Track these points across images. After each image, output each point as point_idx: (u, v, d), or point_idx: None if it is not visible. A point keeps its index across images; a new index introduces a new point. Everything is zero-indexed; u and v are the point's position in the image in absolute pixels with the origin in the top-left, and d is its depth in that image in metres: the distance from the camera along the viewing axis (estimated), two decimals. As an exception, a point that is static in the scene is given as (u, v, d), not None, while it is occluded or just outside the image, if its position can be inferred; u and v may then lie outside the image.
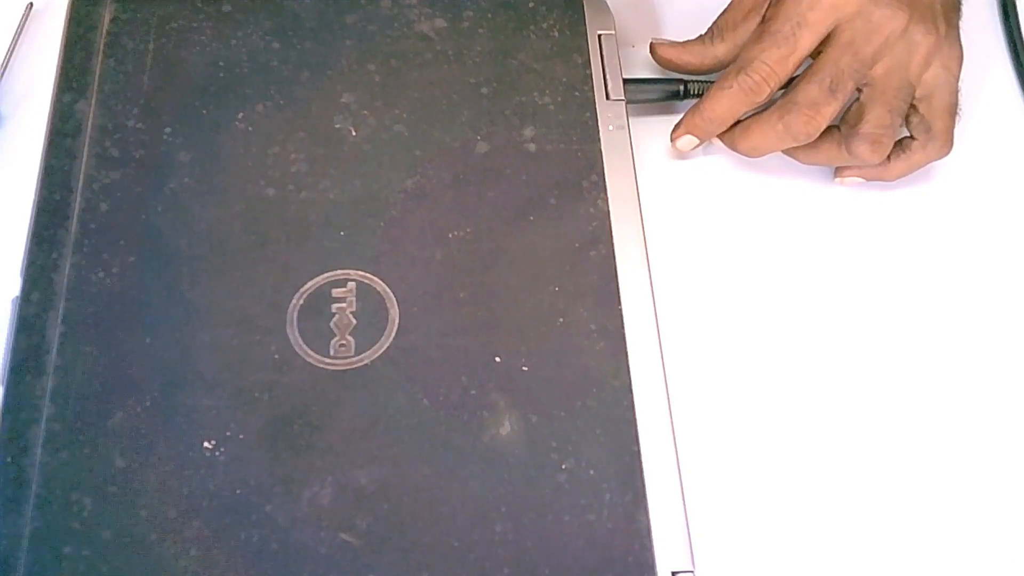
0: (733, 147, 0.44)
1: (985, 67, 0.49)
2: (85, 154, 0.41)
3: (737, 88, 0.42)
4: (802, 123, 0.41)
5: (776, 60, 0.41)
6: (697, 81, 0.46)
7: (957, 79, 0.42)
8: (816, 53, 0.42)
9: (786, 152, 0.44)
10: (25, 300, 0.38)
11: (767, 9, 0.43)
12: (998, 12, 0.51)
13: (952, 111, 0.43)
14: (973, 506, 0.39)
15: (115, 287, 0.38)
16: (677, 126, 0.45)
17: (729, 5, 0.45)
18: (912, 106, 0.42)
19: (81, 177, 0.40)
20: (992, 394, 0.42)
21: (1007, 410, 0.41)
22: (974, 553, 0.39)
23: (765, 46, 0.41)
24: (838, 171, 0.45)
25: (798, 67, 0.42)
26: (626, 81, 0.44)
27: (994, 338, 0.43)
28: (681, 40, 0.46)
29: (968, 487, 0.40)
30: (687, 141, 0.44)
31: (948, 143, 0.43)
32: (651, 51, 0.47)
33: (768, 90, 0.42)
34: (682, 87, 0.46)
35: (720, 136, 0.44)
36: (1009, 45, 0.50)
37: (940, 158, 0.43)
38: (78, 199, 0.40)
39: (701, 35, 0.46)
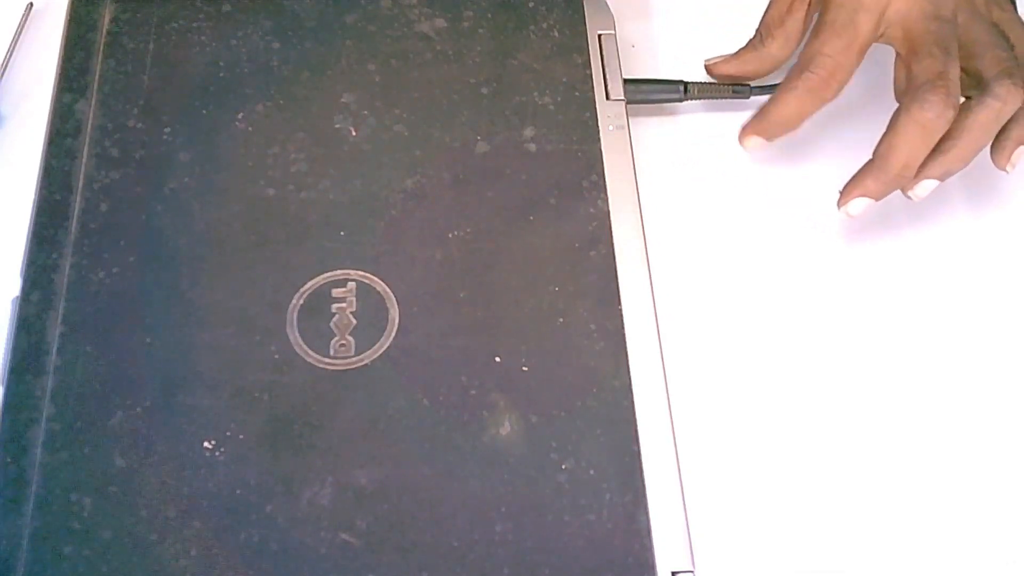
0: (887, 177, 0.39)
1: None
2: (85, 154, 0.41)
3: (803, 88, 0.40)
4: (943, 97, 0.38)
5: (840, 51, 0.40)
6: (697, 83, 0.46)
7: (1013, 7, 0.42)
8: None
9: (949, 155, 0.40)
10: (25, 300, 0.38)
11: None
12: None
13: None
14: (972, 506, 0.39)
15: (115, 287, 0.38)
16: (744, 127, 0.42)
17: (770, 3, 0.44)
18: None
19: (81, 177, 0.40)
20: (992, 394, 0.41)
21: (1007, 410, 0.41)
22: (973, 553, 0.39)
23: (825, 38, 0.40)
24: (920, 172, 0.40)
25: (863, 55, 0.40)
26: (626, 81, 0.44)
27: (996, 338, 0.43)
28: (733, 51, 0.46)
29: (967, 487, 0.40)
30: (755, 142, 0.42)
31: None
32: (708, 71, 0.46)
33: (836, 85, 0.40)
34: (682, 87, 0.46)
35: (868, 176, 0.40)
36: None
37: None
38: (78, 199, 0.40)
39: (750, 40, 0.45)
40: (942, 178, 0.40)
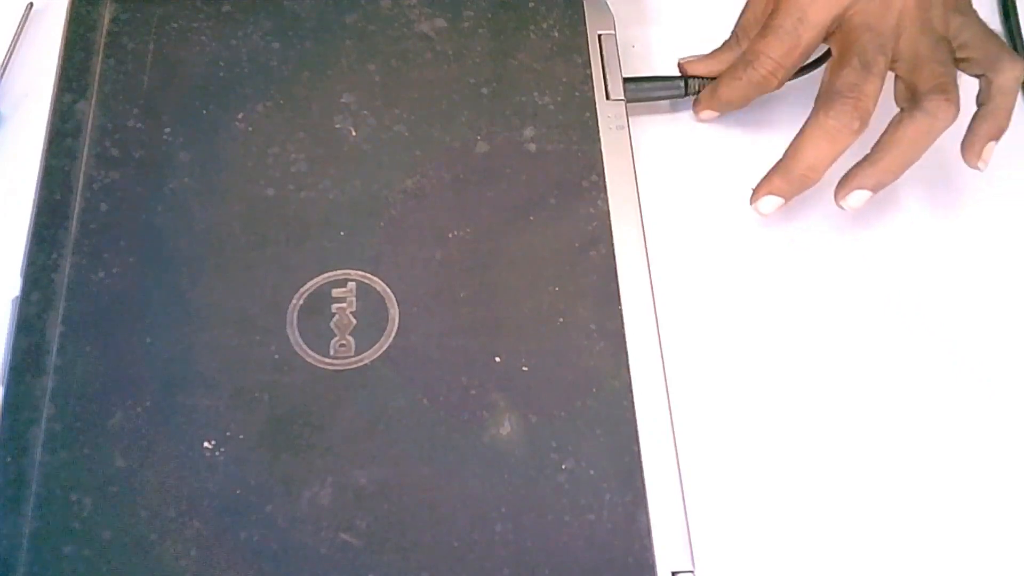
0: (791, 176, 0.41)
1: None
2: (85, 154, 0.41)
3: (746, 80, 0.43)
4: (849, 109, 0.39)
5: (781, 55, 0.42)
6: (698, 78, 0.46)
7: (974, 11, 0.42)
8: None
9: (882, 170, 0.41)
10: (25, 300, 0.38)
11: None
12: (998, 12, 0.51)
13: (992, 35, 0.42)
14: (971, 507, 0.39)
15: (115, 287, 0.38)
16: (697, 100, 0.46)
17: (746, 5, 0.46)
18: (955, 57, 0.41)
19: (81, 177, 0.40)
20: (993, 394, 0.42)
21: (1007, 410, 0.41)
22: (973, 554, 0.39)
23: (769, 41, 0.42)
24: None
25: (806, 57, 0.43)
26: (626, 80, 0.44)
27: (999, 338, 0.43)
28: (708, 52, 0.47)
29: (967, 487, 0.40)
30: (708, 115, 0.46)
31: (1016, 59, 0.41)
32: (680, 69, 0.47)
33: (776, 81, 0.43)
34: (683, 84, 0.46)
35: (775, 175, 0.42)
36: (1010, 44, 0.50)
37: (1020, 74, 0.42)
38: (78, 199, 0.40)
39: (726, 41, 0.46)
40: (874, 189, 0.41)
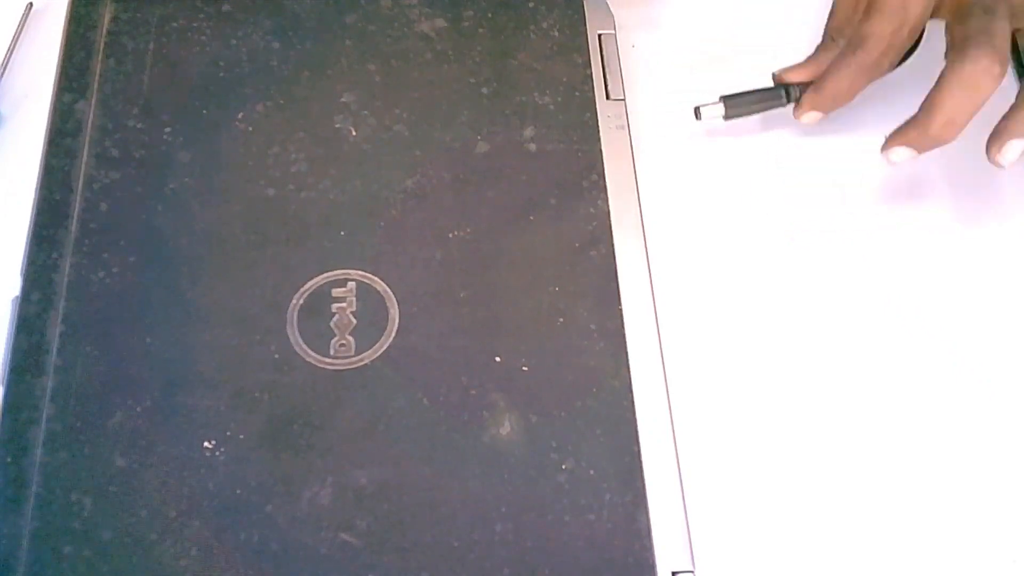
0: (929, 132, 0.39)
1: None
2: (85, 154, 0.41)
3: (855, 66, 0.42)
4: (987, 51, 0.38)
5: (891, 32, 0.41)
6: (797, 85, 0.45)
7: None
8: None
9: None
10: (25, 300, 0.38)
11: None
12: None
13: None
14: (973, 506, 0.39)
15: (115, 287, 0.38)
16: (800, 102, 0.44)
17: (834, 4, 0.45)
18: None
19: (81, 177, 0.40)
20: (994, 394, 0.41)
21: (1008, 411, 0.41)
22: (974, 552, 0.39)
23: (876, 21, 0.41)
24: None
25: (915, 35, 0.42)
26: (725, 97, 0.44)
27: (999, 339, 0.43)
28: (803, 59, 0.45)
29: (968, 487, 0.40)
30: (812, 116, 0.44)
31: None
32: (777, 80, 0.45)
33: (887, 63, 0.42)
34: (784, 93, 0.45)
35: (912, 128, 0.40)
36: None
37: None
38: (78, 199, 0.40)
39: (820, 45, 0.45)
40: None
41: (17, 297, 0.38)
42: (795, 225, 0.45)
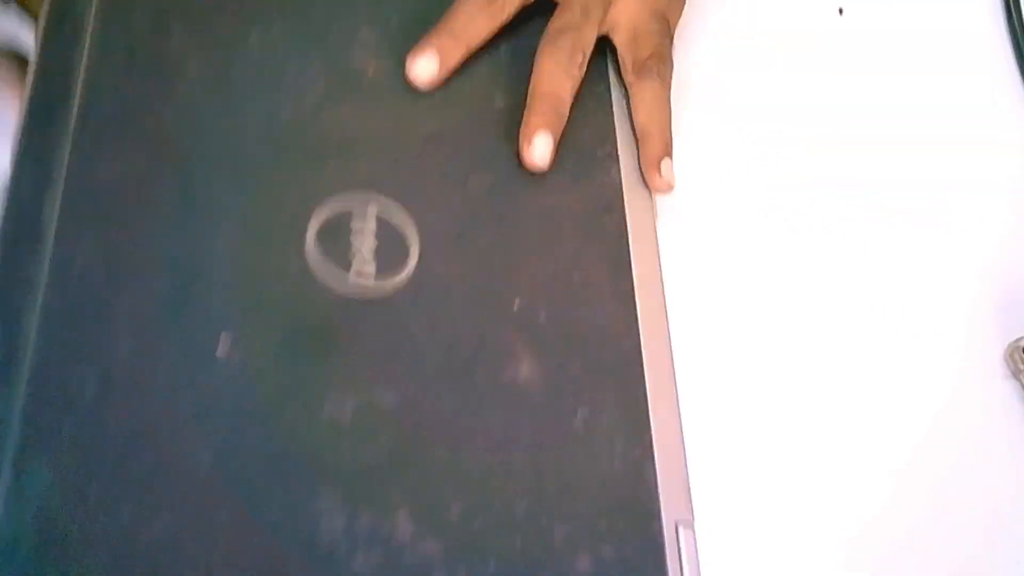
0: (541, 105, 0.41)
1: (987, 66, 0.50)
2: (87, 43, 0.38)
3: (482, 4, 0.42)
4: (571, 41, 0.41)
5: None
6: None
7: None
8: None
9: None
10: (16, 183, 0.35)
11: None
12: (1002, 10, 0.52)
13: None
14: (973, 505, 0.40)
15: (119, 181, 0.36)
16: (415, 49, 0.41)
17: None
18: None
19: (82, 72, 0.38)
20: (994, 394, 0.42)
21: (1007, 411, 0.42)
22: (974, 552, 0.39)
23: None
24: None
25: None
26: None
27: (999, 340, 0.43)
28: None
29: (969, 487, 0.40)
30: (428, 65, 0.41)
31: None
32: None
33: (512, 7, 0.42)
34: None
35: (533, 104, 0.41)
36: (1013, 43, 0.51)
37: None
38: (78, 92, 0.37)
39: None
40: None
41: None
42: (802, 207, 0.45)
